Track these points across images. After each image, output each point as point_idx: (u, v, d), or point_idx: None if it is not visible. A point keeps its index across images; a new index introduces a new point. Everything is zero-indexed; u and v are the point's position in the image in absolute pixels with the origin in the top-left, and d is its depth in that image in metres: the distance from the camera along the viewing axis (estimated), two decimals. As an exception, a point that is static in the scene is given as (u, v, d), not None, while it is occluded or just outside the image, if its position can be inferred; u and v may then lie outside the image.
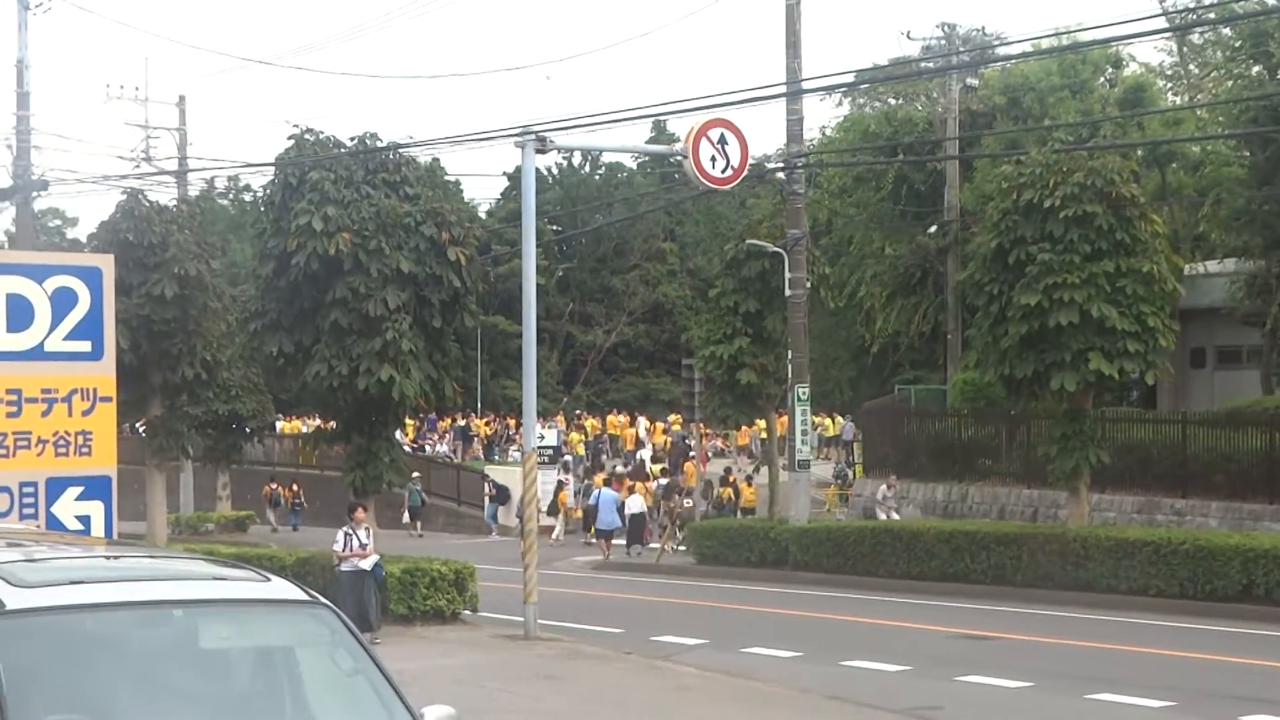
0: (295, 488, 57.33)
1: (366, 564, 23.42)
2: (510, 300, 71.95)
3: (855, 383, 58.62)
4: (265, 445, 59.42)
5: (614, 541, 42.67)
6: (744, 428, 52.31)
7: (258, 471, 59.29)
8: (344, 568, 23.45)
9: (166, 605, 6.98)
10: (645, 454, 59.79)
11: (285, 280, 26.97)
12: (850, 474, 47.49)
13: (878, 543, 33.51)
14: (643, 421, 69.43)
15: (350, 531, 23.65)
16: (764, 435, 45.24)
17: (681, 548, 39.97)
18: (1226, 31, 39.29)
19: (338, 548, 23.70)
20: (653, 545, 41.97)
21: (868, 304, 51.61)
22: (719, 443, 61.26)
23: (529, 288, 24.45)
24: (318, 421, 42.16)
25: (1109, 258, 29.10)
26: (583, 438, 64.09)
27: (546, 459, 45.94)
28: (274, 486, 57.74)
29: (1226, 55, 39.66)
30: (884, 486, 36.14)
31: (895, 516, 36.36)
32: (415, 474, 52.24)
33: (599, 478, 48.11)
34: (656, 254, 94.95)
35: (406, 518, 51.12)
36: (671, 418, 67.15)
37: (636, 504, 43.57)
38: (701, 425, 45.76)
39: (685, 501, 43.84)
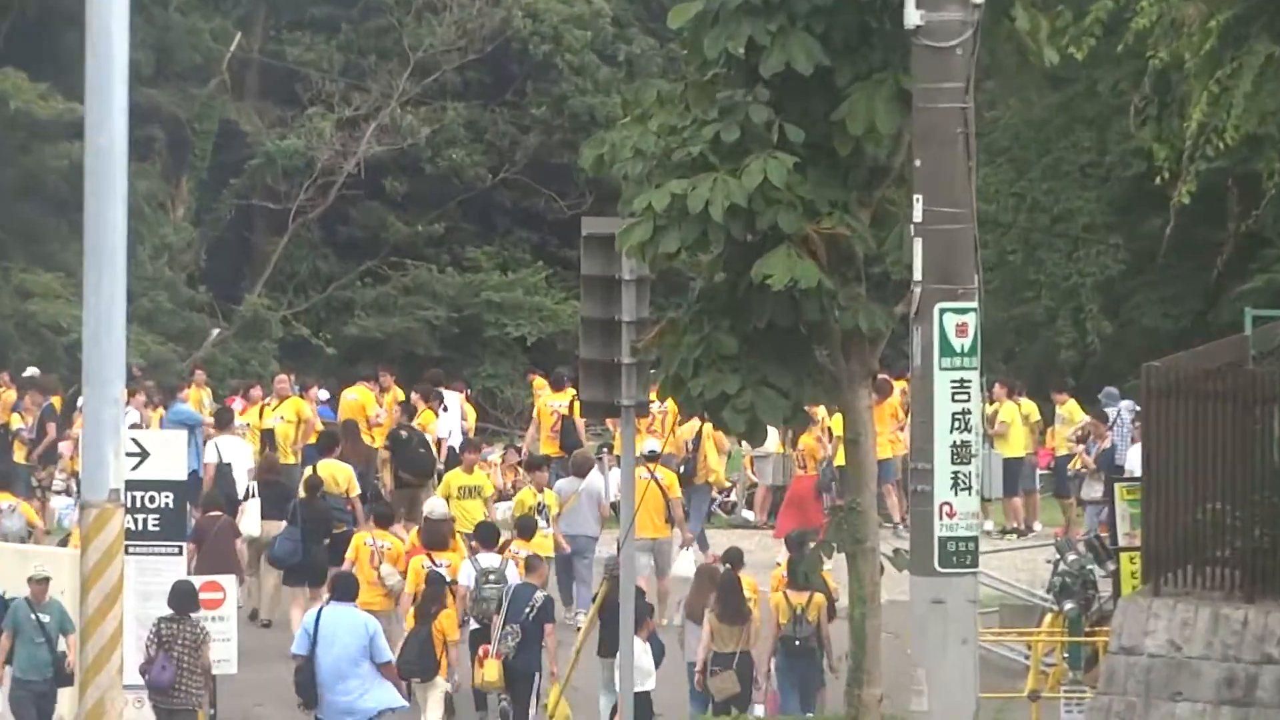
0: None
1: None
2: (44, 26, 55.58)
3: (1113, 303, 50.17)
4: None
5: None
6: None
7: None
8: None
9: None
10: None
11: None
12: (1094, 573, 34.66)
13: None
14: (456, 400, 54.45)
15: None
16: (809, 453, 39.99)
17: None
18: None
19: None
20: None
21: (1151, 55, 38.77)
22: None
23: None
24: None
25: None
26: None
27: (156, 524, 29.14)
28: None
29: None
30: None
31: None
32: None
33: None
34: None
35: None
36: (536, 384, 54.58)
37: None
38: (658, 418, 38.04)
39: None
